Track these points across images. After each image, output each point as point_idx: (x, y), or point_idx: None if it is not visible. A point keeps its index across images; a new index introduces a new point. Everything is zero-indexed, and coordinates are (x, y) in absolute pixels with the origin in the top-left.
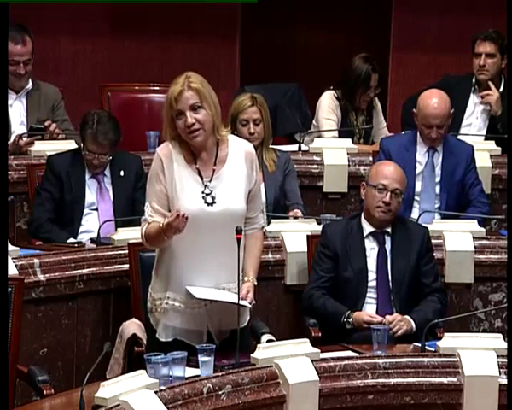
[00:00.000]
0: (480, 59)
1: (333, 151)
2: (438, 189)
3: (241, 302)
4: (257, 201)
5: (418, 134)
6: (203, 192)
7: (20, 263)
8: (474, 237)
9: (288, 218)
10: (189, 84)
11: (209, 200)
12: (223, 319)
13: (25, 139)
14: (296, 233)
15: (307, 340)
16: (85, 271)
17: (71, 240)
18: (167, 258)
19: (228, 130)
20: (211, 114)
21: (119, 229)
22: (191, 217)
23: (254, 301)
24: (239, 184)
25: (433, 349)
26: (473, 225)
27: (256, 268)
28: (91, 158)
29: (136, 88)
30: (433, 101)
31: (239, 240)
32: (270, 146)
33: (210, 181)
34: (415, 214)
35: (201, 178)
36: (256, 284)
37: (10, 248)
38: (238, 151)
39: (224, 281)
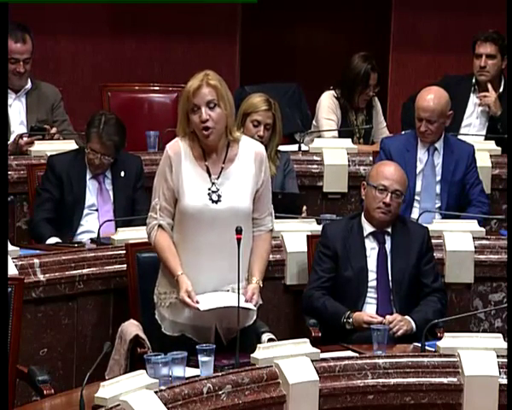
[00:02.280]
0: (481, 60)
1: (333, 151)
2: (438, 188)
3: (246, 305)
4: (263, 202)
5: None
6: (209, 189)
7: (20, 263)
8: (474, 237)
9: (287, 218)
10: (207, 80)
11: (214, 197)
12: (230, 317)
13: (25, 139)
14: (296, 233)
15: (307, 340)
16: (85, 271)
17: (53, 239)
18: None
19: (241, 132)
20: (225, 113)
21: (118, 229)
22: (196, 213)
23: (261, 302)
24: (246, 184)
25: (433, 349)
26: (473, 225)
27: (262, 270)
28: (93, 157)
29: (136, 88)
30: (428, 95)
31: (239, 240)
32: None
33: (217, 178)
34: (415, 214)
35: (209, 176)
36: (261, 285)
37: (10, 248)
38: (248, 151)
39: (229, 281)
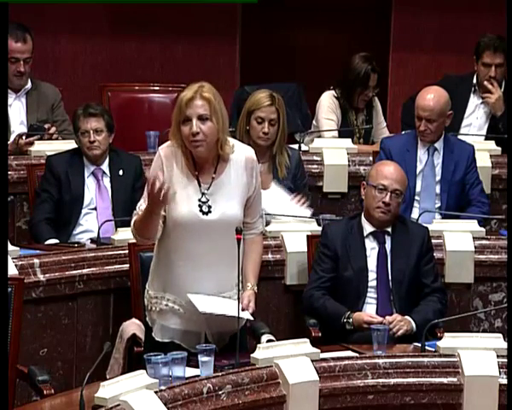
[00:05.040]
0: (490, 70)
1: (333, 151)
2: (438, 188)
3: (243, 315)
4: (256, 207)
5: None
6: (200, 200)
7: (20, 263)
8: (474, 237)
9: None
10: (201, 92)
11: (205, 209)
12: (221, 323)
13: (24, 139)
14: (296, 233)
15: (307, 340)
16: (85, 271)
17: (52, 241)
18: (166, 261)
19: (232, 146)
20: (217, 128)
21: (118, 229)
22: (186, 223)
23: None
24: (237, 193)
25: (433, 349)
26: (473, 225)
27: (256, 274)
28: (88, 137)
29: (136, 88)
30: (428, 94)
31: (239, 240)
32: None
33: (208, 189)
34: (415, 214)
35: (199, 186)
36: (257, 290)
37: (10, 248)
38: (239, 158)
39: (224, 289)
